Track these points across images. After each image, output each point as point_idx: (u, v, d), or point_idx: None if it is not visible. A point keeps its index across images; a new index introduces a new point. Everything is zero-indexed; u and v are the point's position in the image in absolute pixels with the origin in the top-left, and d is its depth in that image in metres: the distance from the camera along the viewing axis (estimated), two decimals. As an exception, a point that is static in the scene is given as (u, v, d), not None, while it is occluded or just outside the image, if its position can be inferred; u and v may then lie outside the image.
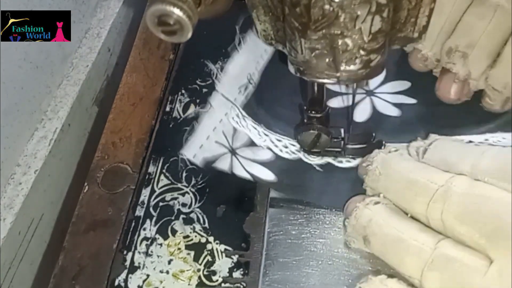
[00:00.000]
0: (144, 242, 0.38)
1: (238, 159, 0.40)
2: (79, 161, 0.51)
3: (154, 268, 0.36)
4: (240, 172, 0.40)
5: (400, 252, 0.30)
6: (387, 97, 0.43)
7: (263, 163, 0.40)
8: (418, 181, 0.31)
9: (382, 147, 0.39)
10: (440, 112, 0.40)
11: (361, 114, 0.42)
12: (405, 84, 0.43)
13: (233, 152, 0.41)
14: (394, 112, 0.42)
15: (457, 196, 0.29)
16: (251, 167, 0.40)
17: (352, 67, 0.30)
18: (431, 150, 0.34)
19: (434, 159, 0.33)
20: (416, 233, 0.30)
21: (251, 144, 0.41)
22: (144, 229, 0.38)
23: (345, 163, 0.39)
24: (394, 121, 0.41)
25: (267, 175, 0.39)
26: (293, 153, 0.40)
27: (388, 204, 0.33)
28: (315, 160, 0.40)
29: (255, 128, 0.42)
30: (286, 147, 0.41)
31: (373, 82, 0.43)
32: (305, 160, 0.40)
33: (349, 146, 0.39)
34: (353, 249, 0.35)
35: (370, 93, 0.43)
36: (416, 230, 0.31)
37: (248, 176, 0.39)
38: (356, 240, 0.34)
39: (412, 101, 0.42)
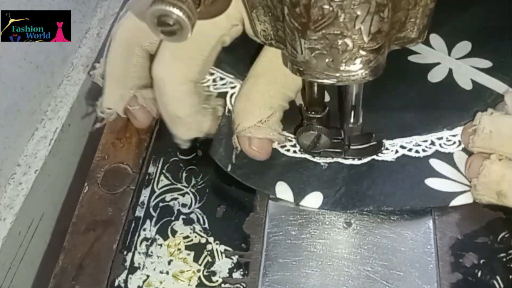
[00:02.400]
0: (144, 243, 0.38)
1: None
2: (79, 161, 0.51)
3: (154, 269, 0.36)
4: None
5: None
6: None
7: None
8: None
9: (382, 148, 0.39)
10: None
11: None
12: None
13: None
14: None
15: None
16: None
17: (352, 67, 0.30)
18: None
19: None
20: None
21: None
22: (144, 230, 0.38)
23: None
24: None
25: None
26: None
27: (509, 160, 0.35)
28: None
29: None
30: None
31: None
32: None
33: (349, 147, 0.39)
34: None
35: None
36: None
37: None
38: (487, 196, 0.35)
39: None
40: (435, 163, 0.38)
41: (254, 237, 0.37)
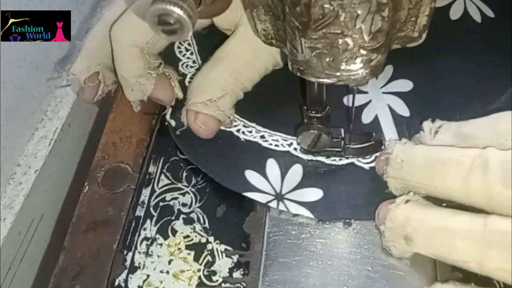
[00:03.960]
0: (144, 242, 0.38)
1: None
2: (79, 161, 0.51)
3: (154, 268, 0.36)
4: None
5: (448, 240, 0.31)
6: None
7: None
8: (449, 158, 0.32)
9: (382, 147, 0.39)
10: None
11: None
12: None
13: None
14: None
15: (498, 163, 0.30)
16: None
17: (352, 67, 0.30)
18: (443, 132, 0.34)
19: (447, 139, 0.34)
20: (460, 217, 0.31)
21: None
22: (144, 229, 0.38)
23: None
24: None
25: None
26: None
27: (418, 200, 0.34)
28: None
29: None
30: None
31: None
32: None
33: (349, 146, 0.39)
34: (395, 255, 0.35)
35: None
36: (457, 215, 0.31)
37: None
38: (396, 243, 0.34)
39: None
40: None
41: (254, 237, 0.37)
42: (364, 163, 0.39)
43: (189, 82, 0.44)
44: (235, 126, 0.42)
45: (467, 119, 0.36)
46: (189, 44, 0.47)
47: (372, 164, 0.39)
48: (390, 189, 0.36)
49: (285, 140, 0.41)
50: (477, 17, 0.46)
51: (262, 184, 0.39)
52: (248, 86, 0.41)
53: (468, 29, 0.45)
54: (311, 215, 0.37)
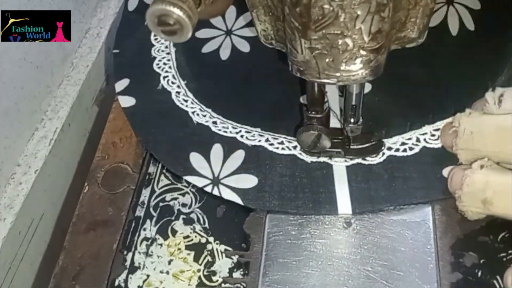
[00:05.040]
0: (144, 242, 0.38)
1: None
2: (79, 161, 0.51)
3: (154, 269, 0.36)
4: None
5: None
6: None
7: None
8: None
9: (383, 147, 0.39)
10: None
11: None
12: None
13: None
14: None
15: None
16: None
17: (352, 67, 0.30)
18: (507, 98, 0.34)
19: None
20: None
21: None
22: (144, 229, 0.38)
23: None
24: None
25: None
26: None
27: (492, 165, 0.34)
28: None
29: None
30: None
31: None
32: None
33: (350, 147, 0.39)
34: (470, 218, 0.35)
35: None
36: None
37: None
38: (473, 208, 0.34)
39: None
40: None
41: (254, 237, 0.37)
42: (305, 157, 0.40)
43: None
44: (192, 107, 0.43)
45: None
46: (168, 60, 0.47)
47: (314, 159, 0.39)
48: (461, 160, 0.36)
49: (234, 128, 0.42)
50: (454, 30, 0.45)
51: (203, 168, 0.40)
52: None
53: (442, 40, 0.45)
54: (241, 202, 0.38)
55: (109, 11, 0.56)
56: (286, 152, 0.40)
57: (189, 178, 0.39)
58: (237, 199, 0.38)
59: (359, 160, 0.39)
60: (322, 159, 0.39)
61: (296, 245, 0.36)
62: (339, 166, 0.39)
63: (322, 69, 0.30)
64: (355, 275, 0.35)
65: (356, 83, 0.33)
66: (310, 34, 0.29)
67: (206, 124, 0.42)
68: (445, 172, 0.37)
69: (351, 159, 0.39)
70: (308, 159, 0.39)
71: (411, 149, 0.39)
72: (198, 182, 0.39)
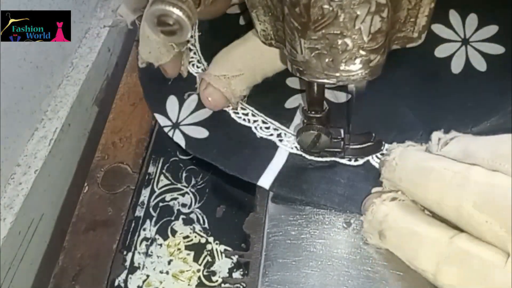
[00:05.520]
0: (144, 243, 0.38)
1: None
2: (79, 161, 0.51)
3: (154, 269, 0.36)
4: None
5: (415, 245, 0.31)
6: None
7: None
8: (433, 168, 0.32)
9: (382, 147, 0.39)
10: None
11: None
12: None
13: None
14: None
15: (476, 185, 0.29)
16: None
17: (351, 67, 0.30)
18: (453, 144, 0.34)
19: (453, 152, 0.33)
20: (431, 226, 0.31)
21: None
22: (144, 230, 0.38)
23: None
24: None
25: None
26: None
27: (405, 201, 0.34)
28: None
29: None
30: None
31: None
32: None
33: (349, 147, 0.39)
34: (369, 245, 0.36)
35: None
36: (431, 224, 0.31)
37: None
38: (372, 235, 0.35)
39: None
40: None
41: (254, 237, 0.37)
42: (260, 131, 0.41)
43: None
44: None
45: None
46: (192, 45, 0.47)
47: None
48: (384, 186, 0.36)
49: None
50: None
51: (171, 111, 0.43)
52: (268, 73, 0.42)
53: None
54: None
55: (109, 11, 0.56)
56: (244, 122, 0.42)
57: (157, 116, 0.43)
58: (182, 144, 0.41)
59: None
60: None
61: (296, 245, 0.36)
62: (284, 149, 0.40)
63: (322, 69, 0.30)
64: (355, 275, 0.35)
65: (356, 83, 0.33)
66: (309, 34, 0.29)
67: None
68: (374, 191, 0.37)
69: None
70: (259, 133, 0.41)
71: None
72: (162, 121, 0.43)
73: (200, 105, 0.43)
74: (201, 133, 0.42)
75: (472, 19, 0.45)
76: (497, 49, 0.43)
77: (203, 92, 0.41)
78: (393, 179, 0.35)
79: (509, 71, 0.41)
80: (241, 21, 0.47)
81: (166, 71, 0.44)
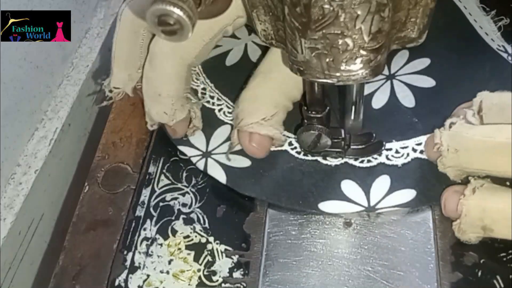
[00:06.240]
0: (145, 242, 0.38)
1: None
2: (79, 161, 0.51)
3: (154, 268, 0.36)
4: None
5: None
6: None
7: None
8: (504, 143, 0.32)
9: (382, 148, 0.39)
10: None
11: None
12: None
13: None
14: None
15: None
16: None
17: (352, 67, 0.30)
18: (487, 114, 0.34)
19: (495, 118, 0.34)
20: None
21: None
22: (145, 229, 0.38)
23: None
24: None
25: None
26: None
27: (484, 185, 0.33)
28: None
29: None
30: None
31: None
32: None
33: (350, 146, 0.39)
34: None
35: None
36: None
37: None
38: (473, 234, 0.34)
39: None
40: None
41: (254, 237, 0.37)
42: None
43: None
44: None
45: None
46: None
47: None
48: (451, 178, 0.36)
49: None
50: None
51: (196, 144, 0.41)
52: (298, 97, 0.40)
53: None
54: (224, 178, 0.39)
55: (109, 11, 0.56)
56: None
57: (181, 148, 0.41)
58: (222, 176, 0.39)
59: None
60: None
61: (296, 245, 0.36)
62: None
63: (322, 69, 0.30)
64: (355, 275, 0.35)
65: (356, 83, 0.33)
66: (310, 34, 0.29)
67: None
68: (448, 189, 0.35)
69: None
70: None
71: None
72: (189, 152, 0.40)
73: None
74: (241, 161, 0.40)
75: (403, 53, 0.44)
76: (427, 82, 0.43)
77: (249, 144, 0.38)
78: (461, 165, 0.34)
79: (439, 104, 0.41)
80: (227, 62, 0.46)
81: (176, 131, 0.41)
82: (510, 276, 0.33)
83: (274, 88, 0.38)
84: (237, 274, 0.36)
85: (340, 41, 0.29)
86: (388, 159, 0.39)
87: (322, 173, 0.39)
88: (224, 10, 0.35)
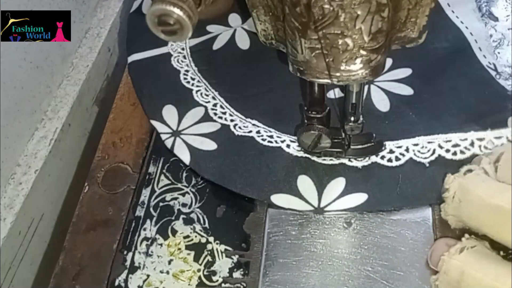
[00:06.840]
0: (144, 242, 0.38)
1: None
2: (80, 161, 0.51)
3: (154, 268, 0.36)
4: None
5: None
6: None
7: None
8: (502, 207, 0.30)
9: (383, 148, 0.39)
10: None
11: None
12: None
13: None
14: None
15: None
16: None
17: (352, 67, 0.30)
18: (502, 167, 0.32)
19: (507, 174, 0.32)
20: None
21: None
22: (144, 229, 0.38)
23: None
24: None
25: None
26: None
27: (476, 247, 0.32)
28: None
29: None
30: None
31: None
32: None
33: (350, 146, 0.39)
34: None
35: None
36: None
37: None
38: None
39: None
40: None
41: (254, 237, 0.37)
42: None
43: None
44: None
45: None
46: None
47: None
48: (452, 227, 0.35)
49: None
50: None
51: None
52: None
53: None
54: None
55: (109, 11, 0.56)
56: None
57: (154, 123, 0.43)
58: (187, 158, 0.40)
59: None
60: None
61: (296, 245, 0.37)
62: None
63: (322, 69, 0.30)
64: (355, 275, 0.35)
65: (356, 83, 0.33)
66: (310, 34, 0.29)
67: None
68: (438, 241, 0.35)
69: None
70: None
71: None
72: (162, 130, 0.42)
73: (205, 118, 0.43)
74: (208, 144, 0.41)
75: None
76: (404, 90, 0.43)
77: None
78: (461, 217, 0.33)
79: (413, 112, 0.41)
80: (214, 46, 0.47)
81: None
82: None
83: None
84: (237, 274, 0.36)
85: (340, 41, 0.29)
86: (349, 160, 0.39)
87: (283, 164, 0.39)
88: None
